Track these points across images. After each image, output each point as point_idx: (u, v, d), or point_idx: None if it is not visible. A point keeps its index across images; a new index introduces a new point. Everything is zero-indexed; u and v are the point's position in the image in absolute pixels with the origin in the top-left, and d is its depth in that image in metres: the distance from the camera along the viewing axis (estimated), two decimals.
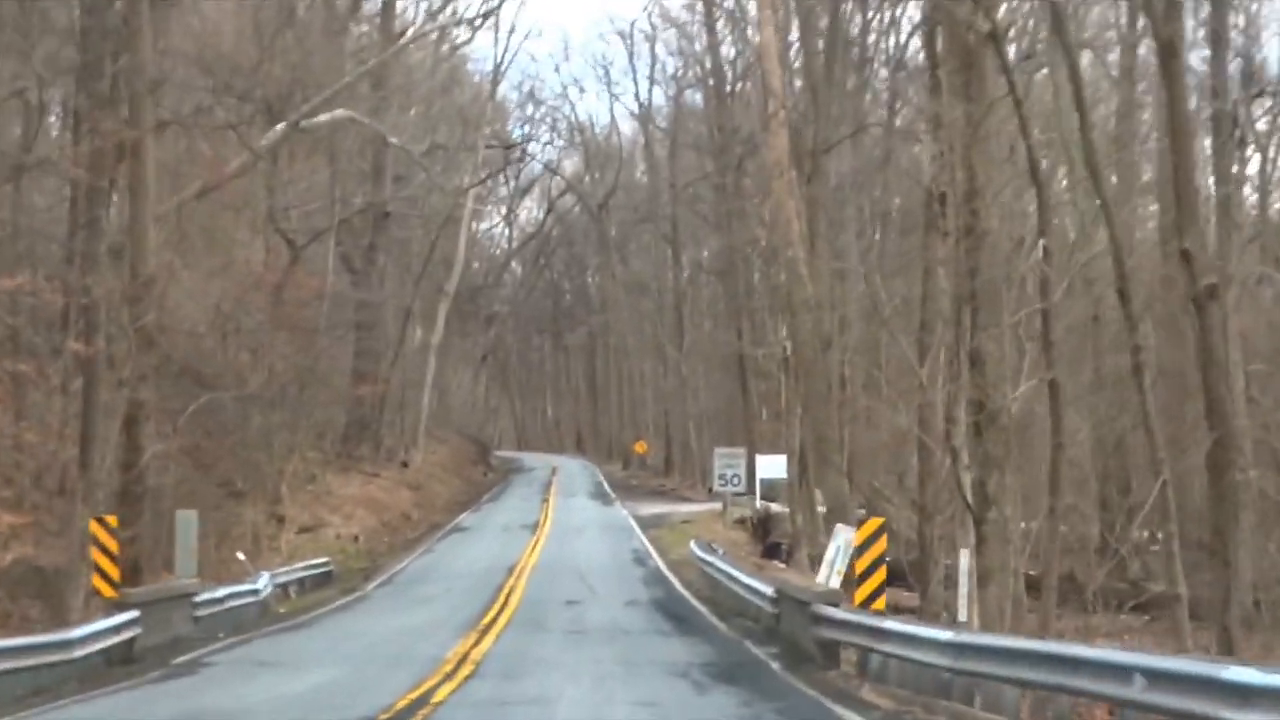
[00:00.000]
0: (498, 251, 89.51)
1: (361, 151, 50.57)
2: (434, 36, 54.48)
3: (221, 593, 19.66)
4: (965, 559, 14.23)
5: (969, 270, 20.34)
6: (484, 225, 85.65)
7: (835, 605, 14.15)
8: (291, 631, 19.40)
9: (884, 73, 45.56)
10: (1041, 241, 19.28)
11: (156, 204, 30.74)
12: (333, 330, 44.84)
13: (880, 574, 14.31)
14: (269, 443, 35.75)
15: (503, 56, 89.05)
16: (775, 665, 15.04)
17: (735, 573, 21.18)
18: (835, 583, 15.43)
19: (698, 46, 66.22)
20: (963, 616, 13.80)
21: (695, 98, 68.87)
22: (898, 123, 51.33)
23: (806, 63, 30.86)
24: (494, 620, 19.86)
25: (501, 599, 23.17)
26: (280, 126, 36.49)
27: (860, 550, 14.28)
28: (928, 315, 25.73)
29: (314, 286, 42.65)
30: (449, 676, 14.16)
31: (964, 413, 20.71)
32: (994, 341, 20.55)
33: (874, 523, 14.62)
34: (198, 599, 18.30)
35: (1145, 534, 35.03)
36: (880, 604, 14.28)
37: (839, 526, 16.38)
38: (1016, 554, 21.64)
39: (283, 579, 25.25)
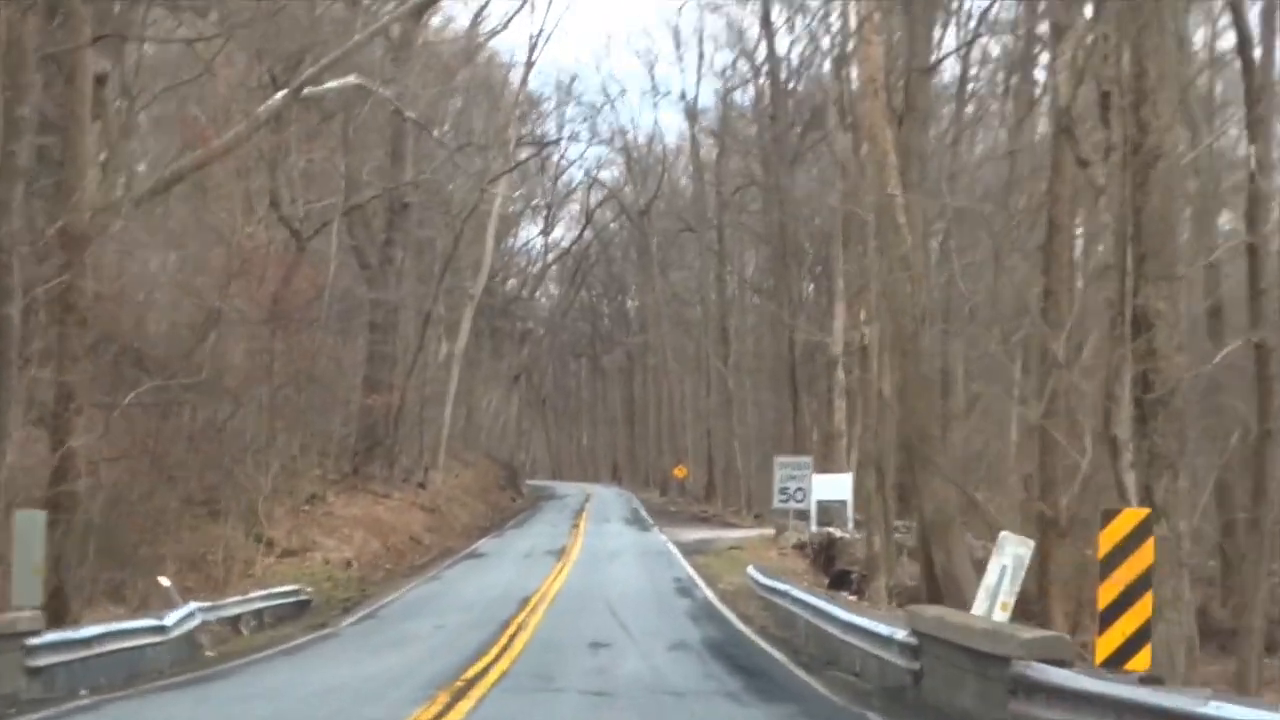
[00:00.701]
0: (534, 269, 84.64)
1: (381, 138, 45.88)
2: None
3: (89, 633, 14.00)
4: None
5: (1137, 199, 15.27)
6: (519, 240, 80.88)
7: (1063, 664, 8.15)
8: (189, 687, 13.49)
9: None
10: (1251, 149, 13.86)
11: (144, 181, 26.72)
12: (335, 325, 39.84)
13: (1144, 608, 8.08)
14: (251, 451, 30.73)
15: (538, 34, 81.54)
16: None
17: (829, 607, 15.14)
18: (1000, 618, 9.98)
19: (748, 39, 61.56)
20: None
21: (744, 98, 63.96)
22: (969, 110, 46.26)
23: None
24: (483, 672, 13.99)
25: (504, 640, 17.41)
26: (282, 93, 31.92)
27: (1105, 566, 8.27)
28: (1053, 282, 20.38)
29: (319, 283, 37.91)
30: None
31: (1128, 392, 15.63)
32: (1167, 298, 15.52)
33: (1133, 515, 8.43)
34: (34, 641, 12.57)
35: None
36: (1142, 661, 8.20)
37: (1005, 535, 10.93)
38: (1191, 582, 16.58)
39: (233, 611, 19.97)
